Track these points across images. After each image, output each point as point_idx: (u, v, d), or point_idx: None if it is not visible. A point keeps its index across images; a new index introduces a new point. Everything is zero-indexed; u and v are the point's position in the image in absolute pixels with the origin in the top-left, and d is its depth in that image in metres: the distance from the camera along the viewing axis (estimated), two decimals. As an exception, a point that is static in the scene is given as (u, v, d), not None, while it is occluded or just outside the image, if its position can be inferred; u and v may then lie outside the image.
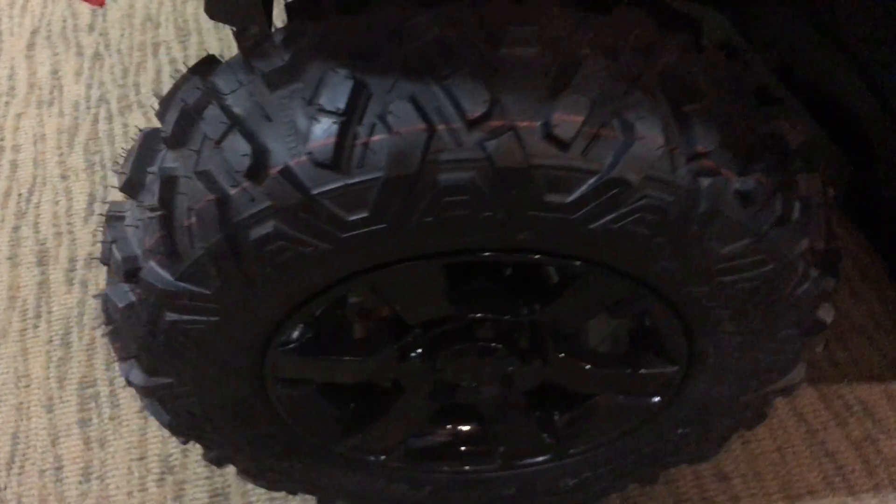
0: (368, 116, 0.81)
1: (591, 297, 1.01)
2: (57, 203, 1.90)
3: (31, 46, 2.23)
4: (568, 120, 0.80)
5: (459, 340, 1.07)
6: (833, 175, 1.20)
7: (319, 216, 0.83)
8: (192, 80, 0.93)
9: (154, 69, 2.15)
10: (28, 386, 1.62)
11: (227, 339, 0.98)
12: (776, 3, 1.11)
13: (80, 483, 1.50)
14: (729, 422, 1.20)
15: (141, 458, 1.52)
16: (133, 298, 0.96)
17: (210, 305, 0.93)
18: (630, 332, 1.13)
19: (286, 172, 0.82)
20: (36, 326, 1.70)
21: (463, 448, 1.27)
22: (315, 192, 0.82)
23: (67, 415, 1.58)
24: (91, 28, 2.26)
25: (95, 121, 2.06)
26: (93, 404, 1.60)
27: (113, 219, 1.00)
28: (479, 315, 1.04)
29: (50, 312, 1.72)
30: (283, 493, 1.43)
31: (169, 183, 0.89)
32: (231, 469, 1.26)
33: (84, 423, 1.57)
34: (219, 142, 0.85)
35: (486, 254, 0.90)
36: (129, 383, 1.10)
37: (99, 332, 1.68)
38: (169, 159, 0.91)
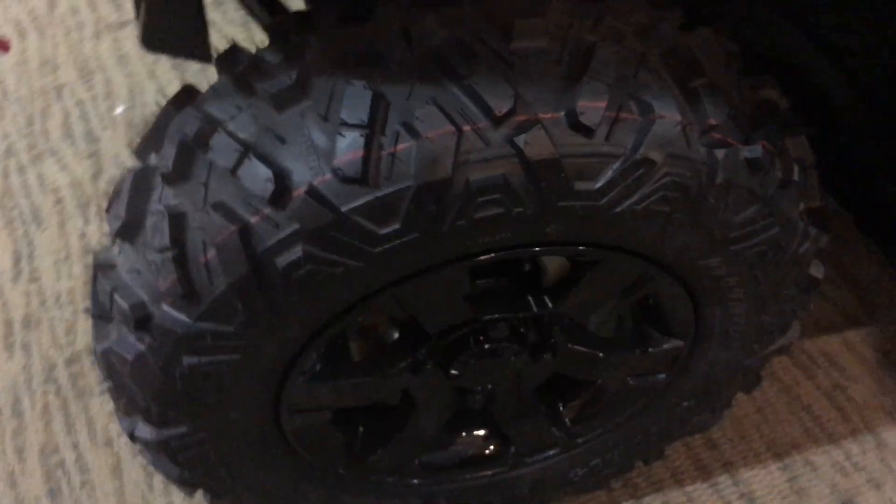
0: (390, 125, 0.79)
1: (607, 284, 1.02)
2: (-20, 266, 1.78)
3: (-82, 105, 2.09)
4: (592, 106, 0.80)
5: (472, 344, 1.06)
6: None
7: (350, 233, 0.81)
8: (185, 111, 0.88)
9: (61, 113, 2.04)
10: (-17, 463, 1.51)
11: (249, 375, 0.94)
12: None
13: (62, 557, 1.40)
14: (731, 388, 1.23)
15: (123, 520, 1.44)
16: (142, 348, 0.91)
17: (233, 343, 0.89)
18: (632, 312, 1.14)
19: (312, 193, 0.79)
20: (-20, 399, 1.59)
21: (475, 454, 1.26)
22: (345, 209, 0.79)
23: (34, 487, 1.48)
24: (-18, 79, 2.14)
25: (6, 174, 1.94)
26: (59, 472, 1.50)
27: (103, 268, 0.95)
28: (494, 316, 1.03)
29: (-7, 382, 1.61)
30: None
31: (178, 220, 0.84)
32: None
33: (54, 493, 1.48)
34: (234, 170, 0.81)
35: (511, 251, 0.90)
36: (133, 440, 1.04)
37: (52, 395, 1.58)
38: (170, 196, 0.87)
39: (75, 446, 1.53)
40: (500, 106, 0.79)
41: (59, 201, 1.85)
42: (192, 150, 0.85)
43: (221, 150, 0.83)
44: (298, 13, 0.92)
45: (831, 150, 1.13)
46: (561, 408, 1.24)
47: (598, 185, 0.83)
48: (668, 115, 0.83)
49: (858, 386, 1.58)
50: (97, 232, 1.81)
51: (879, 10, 1.05)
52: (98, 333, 1.01)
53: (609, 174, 0.83)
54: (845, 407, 1.55)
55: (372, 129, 0.79)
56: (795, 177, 0.94)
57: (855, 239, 1.03)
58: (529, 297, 1.04)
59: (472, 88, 0.79)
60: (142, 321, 0.89)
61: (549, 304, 1.04)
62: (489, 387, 1.13)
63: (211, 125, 0.85)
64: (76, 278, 1.74)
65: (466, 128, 0.79)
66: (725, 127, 0.87)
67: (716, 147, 0.86)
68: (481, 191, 0.80)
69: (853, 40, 1.10)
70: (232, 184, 0.82)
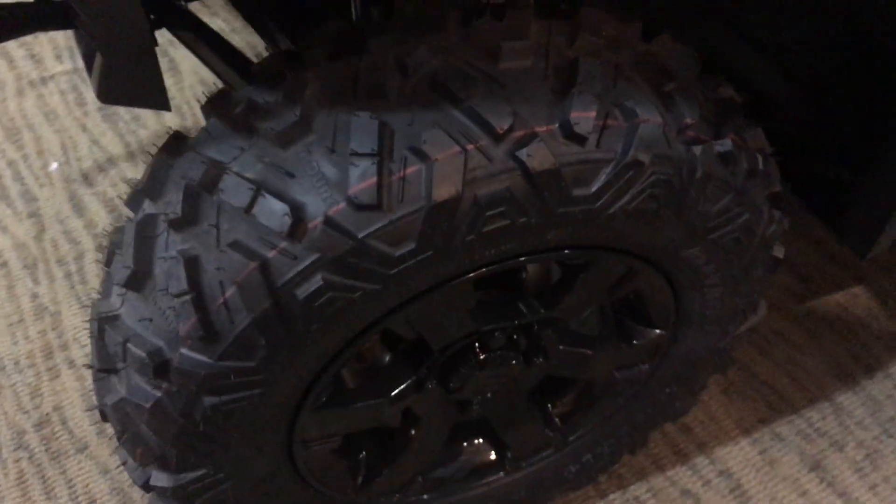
0: (397, 151, 0.83)
1: (598, 284, 1.07)
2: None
3: None
4: (584, 116, 0.86)
5: (471, 357, 1.09)
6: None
7: (368, 258, 0.84)
8: (185, 156, 0.90)
9: (-9, 176, 1.99)
10: (-39, 541, 1.46)
11: (268, 409, 0.95)
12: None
13: None
14: (708, 371, 1.30)
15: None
16: (160, 395, 0.92)
17: (255, 378, 0.90)
18: (614, 308, 1.20)
19: (329, 223, 0.82)
20: (-52, 476, 1.53)
21: (474, 465, 1.29)
22: (361, 235, 0.83)
23: (19, 558, 1.44)
24: None
25: (-58, 243, 1.88)
26: (44, 539, 1.46)
27: (107, 321, 0.95)
28: (493, 326, 1.07)
29: (-41, 456, 1.56)
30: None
31: (192, 263, 0.86)
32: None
33: (41, 561, 1.44)
34: (248, 209, 0.83)
35: (515, 260, 0.94)
36: (147, 490, 1.04)
37: (25, 461, 1.54)
38: (178, 241, 0.88)
39: (56, 511, 1.49)
40: (500, 123, 0.83)
41: (3, 264, 1.81)
42: (198, 194, 0.87)
43: (233, 190, 0.84)
44: (284, 53, 0.95)
45: (778, 140, 1.22)
46: (551, 409, 1.29)
47: (594, 189, 0.89)
48: (650, 119, 0.89)
49: (810, 358, 1.68)
50: (48, 292, 1.77)
51: (806, 10, 1.15)
52: (103, 388, 1.01)
53: (603, 178, 0.88)
54: (801, 378, 1.65)
55: (381, 156, 0.82)
56: (760, 165, 1.02)
57: (791, 226, 1.13)
58: (522, 305, 1.08)
59: (473, 109, 0.84)
60: (160, 368, 0.90)
61: (542, 310, 1.09)
62: (488, 396, 1.17)
63: (216, 168, 0.87)
64: (33, 340, 1.70)
65: (470, 147, 0.83)
66: (698, 125, 0.94)
67: (692, 144, 0.93)
68: (489, 205, 0.85)
69: (785, 38, 1.19)
70: (246, 222, 0.84)
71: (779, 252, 1.16)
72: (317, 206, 0.83)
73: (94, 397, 1.44)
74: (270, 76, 0.91)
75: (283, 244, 0.83)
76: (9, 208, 1.90)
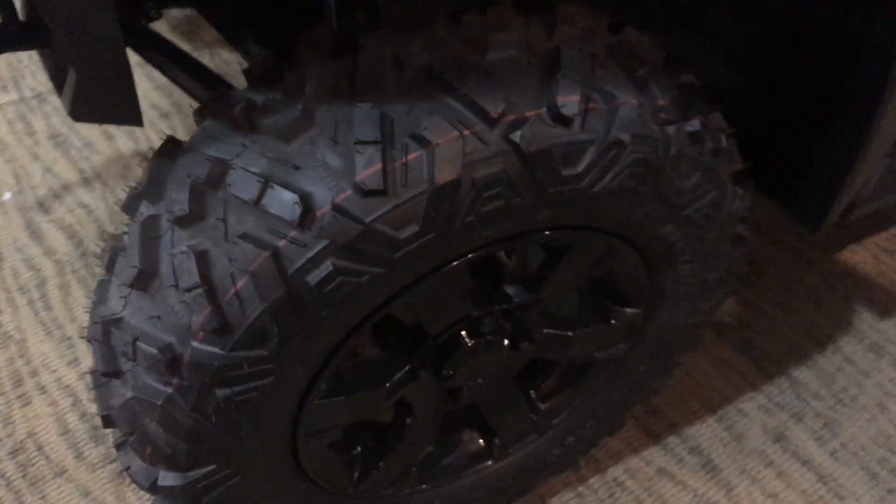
0: (398, 139, 0.87)
1: (580, 264, 1.13)
2: None
3: None
4: (569, 100, 0.91)
5: (462, 342, 1.14)
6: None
7: (375, 242, 0.88)
8: (187, 156, 0.93)
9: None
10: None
11: (276, 400, 0.98)
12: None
13: None
14: (679, 348, 1.37)
15: None
16: (170, 391, 0.93)
17: (266, 367, 0.93)
18: (592, 289, 1.26)
19: (337, 209, 0.86)
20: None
21: (464, 453, 1.33)
22: (368, 219, 0.87)
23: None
24: None
25: None
26: (28, 565, 1.44)
27: (112, 323, 0.96)
28: (484, 311, 1.12)
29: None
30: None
31: (202, 258, 0.88)
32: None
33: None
34: (257, 201, 0.86)
35: (508, 242, 0.99)
36: (154, 491, 1.05)
37: (3, 489, 1.51)
38: (184, 238, 0.90)
39: (40, 536, 1.47)
40: (494, 109, 0.89)
41: (-37, 295, 1.78)
42: (203, 191, 0.90)
43: (240, 184, 0.88)
44: (279, 55, 0.98)
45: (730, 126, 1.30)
46: (534, 394, 1.34)
47: (581, 168, 0.94)
48: (628, 101, 0.96)
49: (764, 336, 1.77)
50: (12, 320, 1.75)
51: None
52: (107, 393, 1.02)
53: (588, 158, 0.94)
54: (758, 356, 1.74)
55: (384, 143, 0.86)
56: (723, 144, 1.10)
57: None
58: (510, 289, 1.14)
59: (467, 97, 0.89)
60: (171, 363, 0.92)
61: (529, 293, 1.14)
62: (478, 382, 1.21)
63: (221, 165, 0.90)
64: (0, 369, 1.67)
65: (467, 132, 0.88)
66: (670, 107, 1.01)
67: (665, 125, 1.00)
68: (486, 186, 0.90)
69: (734, 33, 1.28)
70: (254, 214, 0.87)
71: (742, 230, 1.24)
72: (324, 194, 0.86)
73: (68, 421, 1.45)
74: (267, 77, 0.95)
75: (293, 233, 0.87)
76: (-36, 240, 1.88)
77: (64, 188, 1.98)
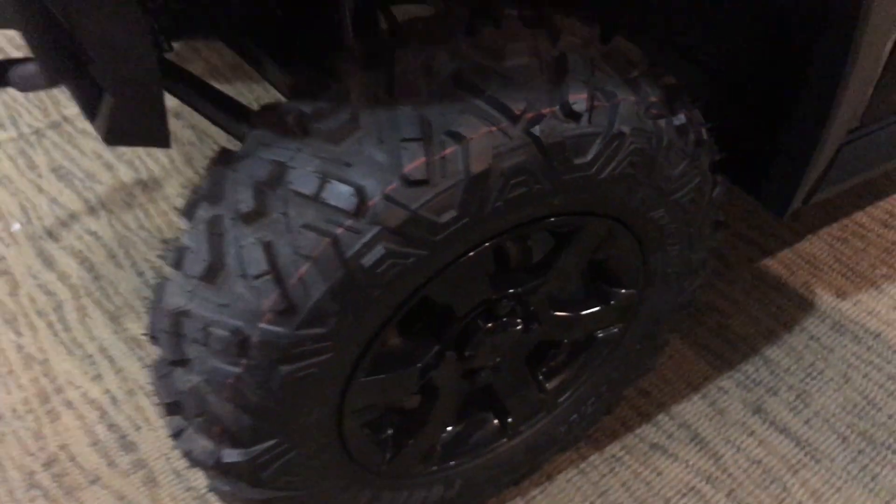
0: (436, 136, 1.01)
1: (585, 248, 1.27)
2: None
3: None
4: (578, 98, 1.06)
5: (482, 324, 1.27)
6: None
7: (419, 227, 1.01)
8: (247, 161, 1.05)
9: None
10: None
11: (331, 374, 1.09)
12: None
13: None
14: (669, 327, 1.52)
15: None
16: (239, 371, 1.05)
17: (325, 344, 1.05)
18: (592, 273, 1.40)
19: (387, 198, 0.99)
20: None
21: (482, 432, 1.46)
22: (414, 206, 1.00)
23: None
24: None
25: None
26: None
27: (180, 315, 1.07)
28: (503, 294, 1.25)
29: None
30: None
31: (269, 248, 1.01)
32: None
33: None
34: (317, 195, 0.99)
35: (528, 226, 1.13)
36: (218, 468, 1.15)
37: (41, 499, 1.59)
38: (248, 233, 1.02)
39: (78, 541, 1.55)
40: (517, 107, 1.03)
41: (-18, 322, 1.86)
42: (264, 190, 1.02)
43: (301, 180, 1.00)
44: (321, 69, 1.11)
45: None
46: (541, 375, 1.48)
47: (589, 157, 1.09)
48: (626, 98, 1.11)
49: (737, 321, 1.93)
50: (34, 342, 1.83)
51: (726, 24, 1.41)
52: (170, 382, 1.12)
53: (595, 148, 1.09)
54: (733, 339, 1.90)
55: (425, 140, 1.00)
56: (704, 136, 1.25)
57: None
58: (524, 274, 1.27)
59: (493, 97, 1.03)
60: (241, 344, 1.03)
61: (537, 278, 1.28)
62: (496, 362, 1.34)
63: (279, 166, 1.02)
64: (26, 388, 1.75)
65: (494, 128, 1.02)
66: (660, 104, 1.16)
67: (657, 118, 1.15)
68: (512, 174, 1.04)
69: (699, 38, 1.45)
70: (314, 207, 1.00)
71: (720, 216, 1.40)
72: (374, 186, 1.00)
73: (97, 432, 1.53)
74: (312, 89, 1.08)
75: (350, 221, 0.99)
76: (-23, 270, 1.96)
77: (71, 217, 2.08)
